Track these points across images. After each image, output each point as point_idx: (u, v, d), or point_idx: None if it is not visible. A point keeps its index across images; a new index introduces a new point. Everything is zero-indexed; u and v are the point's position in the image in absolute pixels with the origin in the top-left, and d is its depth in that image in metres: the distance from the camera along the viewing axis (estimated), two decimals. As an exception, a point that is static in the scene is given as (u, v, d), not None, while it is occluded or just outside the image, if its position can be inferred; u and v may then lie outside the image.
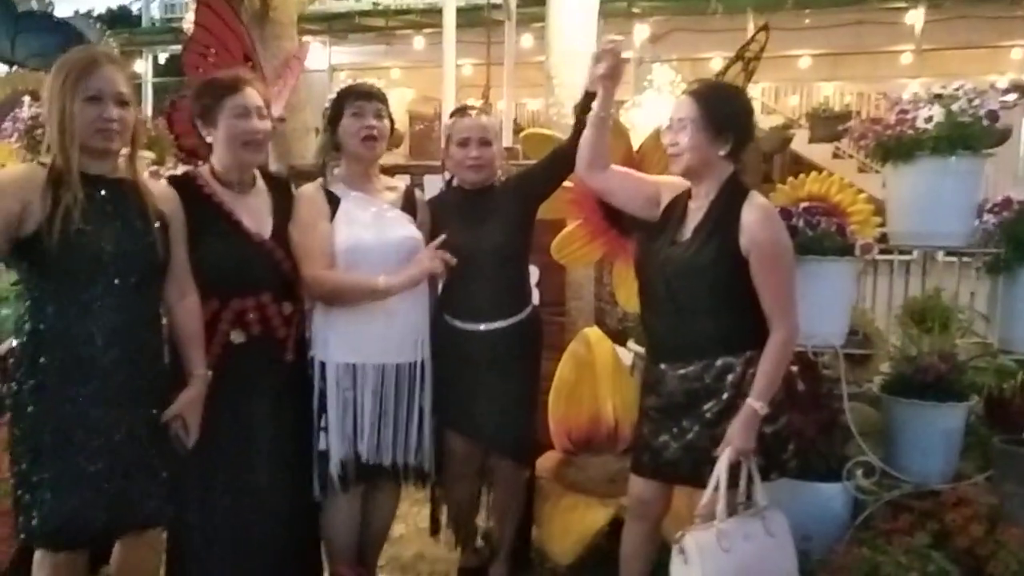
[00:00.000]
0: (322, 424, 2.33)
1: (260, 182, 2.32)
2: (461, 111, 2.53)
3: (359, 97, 2.35)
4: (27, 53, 3.43)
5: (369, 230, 2.33)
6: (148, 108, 10.85)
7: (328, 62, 10.62)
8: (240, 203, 2.24)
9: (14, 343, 1.96)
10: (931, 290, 3.26)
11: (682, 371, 2.10)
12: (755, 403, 2.01)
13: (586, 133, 2.23)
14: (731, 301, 2.07)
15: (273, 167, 3.09)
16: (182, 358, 2.10)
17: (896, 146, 2.43)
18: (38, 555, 1.99)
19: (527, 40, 8.71)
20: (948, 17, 9.92)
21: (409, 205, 2.46)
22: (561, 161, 2.40)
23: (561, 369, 2.93)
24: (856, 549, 2.32)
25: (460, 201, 2.51)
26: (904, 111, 2.40)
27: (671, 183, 2.24)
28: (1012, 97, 2.49)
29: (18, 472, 1.91)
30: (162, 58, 13.12)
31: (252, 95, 2.21)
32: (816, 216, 2.42)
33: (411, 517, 3.10)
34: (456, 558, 2.81)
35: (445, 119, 2.49)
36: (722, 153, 2.08)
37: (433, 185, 2.80)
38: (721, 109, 2.08)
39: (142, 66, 12.88)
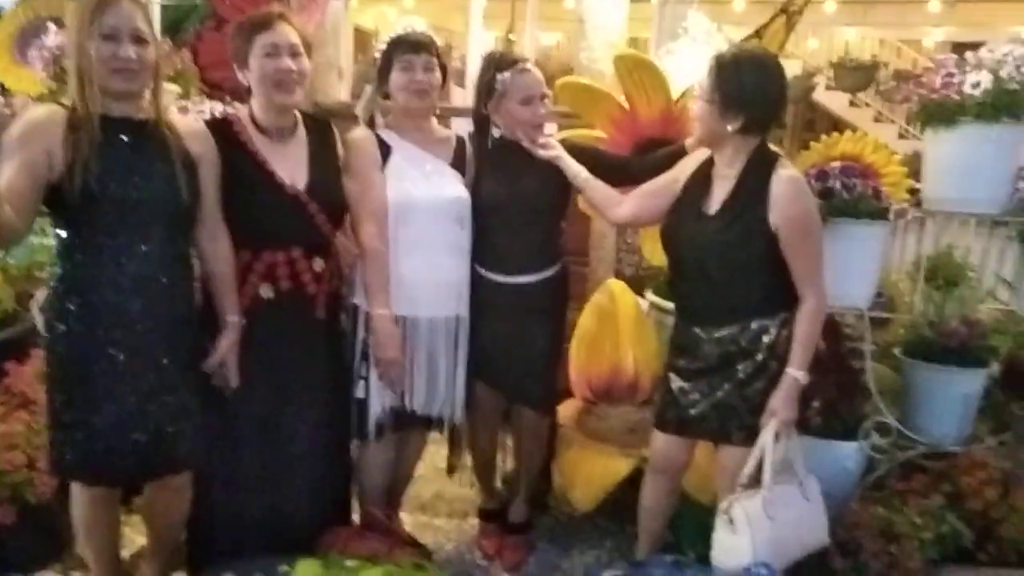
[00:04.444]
0: (362, 373, 2.32)
1: (300, 129, 2.22)
2: (512, 64, 2.37)
3: (408, 50, 2.27)
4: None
5: (418, 187, 2.29)
6: (156, 31, 10.55)
7: (343, -10, 10.32)
8: (276, 152, 2.15)
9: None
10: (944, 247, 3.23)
11: (717, 334, 2.12)
12: (796, 372, 2.04)
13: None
14: (763, 269, 2.07)
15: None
16: (215, 303, 2.08)
17: (939, 111, 2.40)
18: (74, 488, 2.06)
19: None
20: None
21: (459, 160, 2.41)
22: (608, 173, 2.43)
23: (583, 319, 2.95)
24: (871, 507, 2.38)
25: (501, 153, 2.44)
26: (951, 75, 2.36)
27: (689, 160, 2.25)
28: None
29: (51, 411, 1.93)
30: (170, -23, 12.85)
31: (284, 31, 2.09)
32: (853, 178, 2.40)
33: (428, 456, 3.14)
34: (474, 497, 2.88)
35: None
36: (731, 129, 2.02)
37: (458, 129, 2.73)
38: (734, 85, 1.99)
39: (149, -15, 12.56)
